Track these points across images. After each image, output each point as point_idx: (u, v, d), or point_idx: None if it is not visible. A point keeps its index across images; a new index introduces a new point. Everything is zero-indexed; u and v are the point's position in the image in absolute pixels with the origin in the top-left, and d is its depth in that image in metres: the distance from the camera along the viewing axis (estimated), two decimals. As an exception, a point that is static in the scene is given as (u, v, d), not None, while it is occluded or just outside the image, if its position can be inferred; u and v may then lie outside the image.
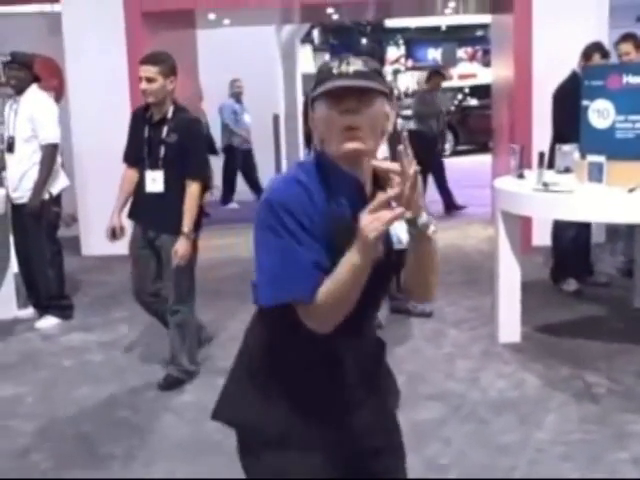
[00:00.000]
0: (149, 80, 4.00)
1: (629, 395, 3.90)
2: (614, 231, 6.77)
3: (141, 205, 4.18)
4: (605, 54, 5.40)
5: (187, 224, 3.99)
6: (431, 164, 8.90)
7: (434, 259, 1.67)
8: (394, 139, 1.92)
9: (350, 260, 1.51)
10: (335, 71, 1.60)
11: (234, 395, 1.81)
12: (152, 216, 4.12)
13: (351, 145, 1.59)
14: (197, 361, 4.36)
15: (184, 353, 4.23)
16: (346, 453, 1.77)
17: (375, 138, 1.62)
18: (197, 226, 4.11)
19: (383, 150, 5.22)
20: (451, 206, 9.17)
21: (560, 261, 5.77)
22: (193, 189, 4.00)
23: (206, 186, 4.22)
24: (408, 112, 16.49)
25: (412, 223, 1.56)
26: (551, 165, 5.03)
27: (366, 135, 1.60)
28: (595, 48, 5.37)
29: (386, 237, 1.67)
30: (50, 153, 5.16)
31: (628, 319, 5.06)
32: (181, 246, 3.98)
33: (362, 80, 1.58)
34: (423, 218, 1.55)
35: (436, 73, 9.66)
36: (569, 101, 4.98)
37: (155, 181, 4.08)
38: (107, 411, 3.99)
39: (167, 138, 4.04)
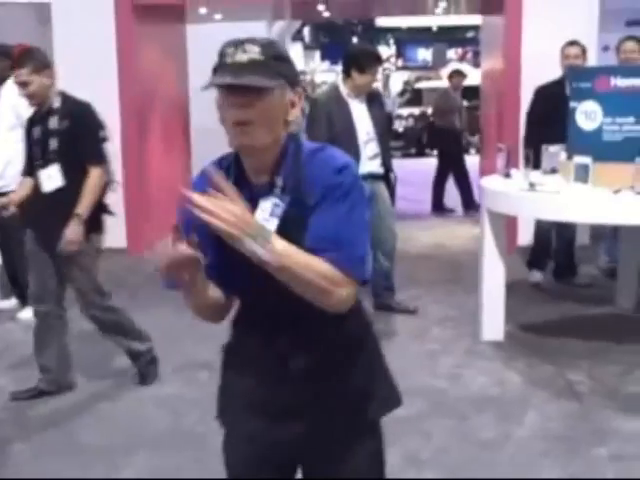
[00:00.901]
0: (25, 85, 3.74)
1: (610, 393, 3.92)
2: (598, 232, 6.81)
3: (38, 209, 3.86)
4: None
5: (82, 206, 3.71)
6: (455, 160, 9.21)
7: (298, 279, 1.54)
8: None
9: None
10: (228, 60, 1.54)
11: None
12: (52, 216, 3.76)
13: (240, 141, 1.56)
14: (144, 335, 4.17)
15: (132, 342, 4.09)
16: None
17: (271, 130, 1.57)
18: (98, 226, 3.88)
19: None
20: (470, 204, 9.14)
21: (532, 251, 5.98)
22: (94, 174, 3.74)
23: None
24: (401, 111, 16.56)
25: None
26: (537, 165, 5.05)
27: (258, 129, 1.54)
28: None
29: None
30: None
31: (610, 319, 5.10)
32: (71, 230, 3.69)
33: (251, 75, 1.50)
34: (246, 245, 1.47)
35: (457, 73, 10.03)
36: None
37: (51, 177, 3.77)
38: (88, 402, 3.98)
39: (58, 126, 3.76)
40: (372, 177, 4.91)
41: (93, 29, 7.27)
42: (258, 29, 11.38)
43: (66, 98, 3.87)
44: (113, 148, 4.21)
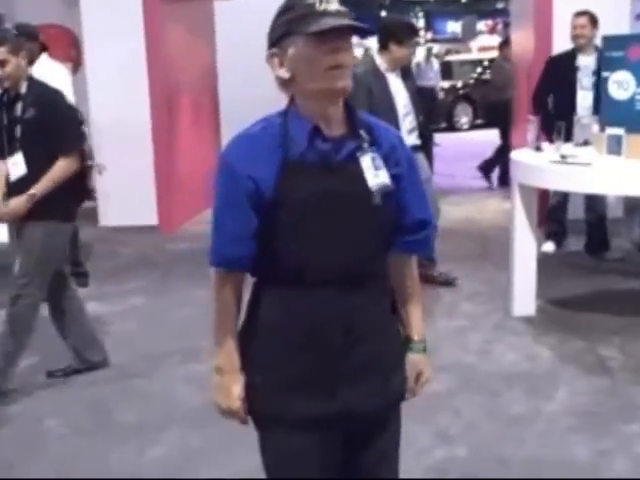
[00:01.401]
0: (1, 63, 3.65)
1: (642, 369, 3.89)
2: (632, 205, 6.71)
3: (6, 196, 3.76)
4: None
5: (38, 187, 3.63)
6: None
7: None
8: None
9: None
10: (320, 7, 1.57)
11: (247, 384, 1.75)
12: None
13: (341, 83, 1.60)
14: (7, 380, 3.82)
15: (12, 350, 3.78)
16: (339, 428, 1.71)
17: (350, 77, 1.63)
18: (63, 216, 3.79)
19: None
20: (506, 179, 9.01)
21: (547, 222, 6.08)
22: (59, 164, 3.66)
23: (83, 162, 3.81)
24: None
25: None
26: (569, 138, 4.98)
27: (348, 73, 1.61)
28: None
29: (362, 180, 1.64)
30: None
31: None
32: (14, 202, 3.63)
33: (349, 19, 1.57)
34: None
35: (505, 43, 9.60)
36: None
37: (16, 165, 3.69)
38: (121, 379, 4.03)
39: (24, 115, 3.68)
40: (412, 149, 4.91)
41: (121, 9, 7.28)
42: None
43: (32, 84, 3.77)
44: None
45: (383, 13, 29.95)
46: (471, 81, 16.25)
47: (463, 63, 17.35)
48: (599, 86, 4.84)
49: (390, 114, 4.73)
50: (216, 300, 1.73)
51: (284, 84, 1.65)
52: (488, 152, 9.44)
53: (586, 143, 4.69)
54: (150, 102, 7.32)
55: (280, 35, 1.62)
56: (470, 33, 25.95)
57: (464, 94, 16.29)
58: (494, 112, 9.68)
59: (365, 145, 1.66)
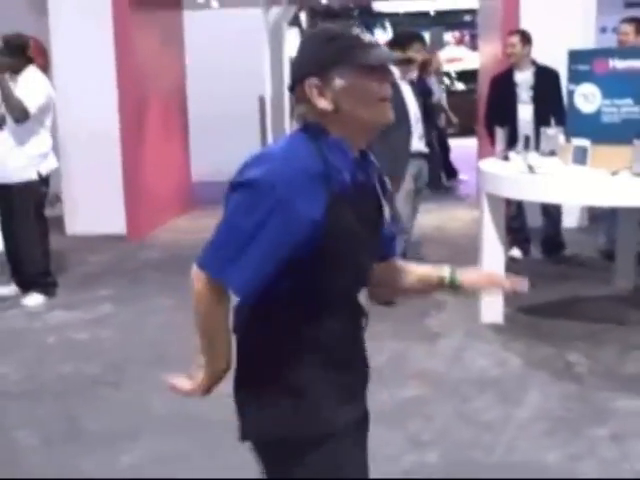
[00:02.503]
0: None
1: (609, 373, 3.96)
2: (596, 214, 6.83)
3: None
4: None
5: None
6: None
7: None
8: None
9: None
10: (366, 39, 1.59)
11: (261, 408, 1.69)
12: None
13: (390, 115, 1.63)
14: None
15: None
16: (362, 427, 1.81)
17: None
18: None
19: None
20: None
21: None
22: None
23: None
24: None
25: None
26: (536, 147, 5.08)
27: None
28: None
29: (381, 212, 1.71)
30: (19, 111, 5.03)
31: (609, 300, 5.12)
32: None
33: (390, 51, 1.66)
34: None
35: None
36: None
37: None
38: (91, 388, 4.00)
39: None
40: (420, 155, 5.24)
41: (90, 17, 7.25)
42: (255, 15, 11.35)
43: None
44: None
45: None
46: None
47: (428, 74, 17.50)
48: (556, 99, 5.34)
49: (405, 121, 4.99)
50: (208, 314, 1.63)
51: (322, 114, 1.60)
52: (457, 161, 9.63)
53: (552, 153, 4.78)
54: (119, 111, 7.28)
55: (325, 65, 1.57)
56: (438, 44, 26.18)
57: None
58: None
59: (379, 171, 1.73)
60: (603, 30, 7.64)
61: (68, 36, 7.31)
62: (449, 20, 27.27)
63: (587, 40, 6.58)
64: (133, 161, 7.33)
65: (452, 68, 18.03)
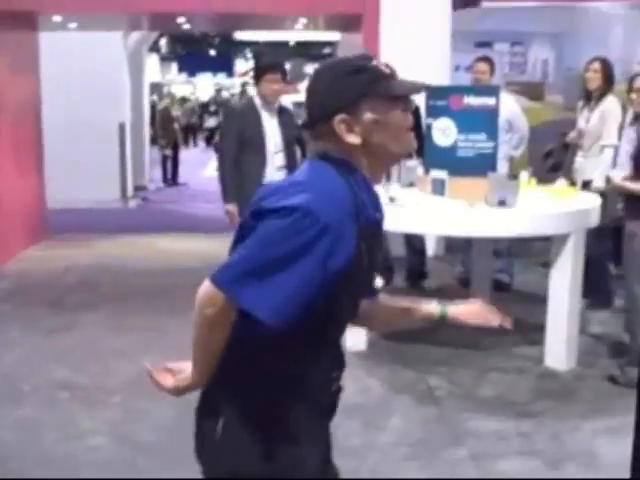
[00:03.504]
0: None
1: (467, 395, 4.12)
2: (453, 244, 7.12)
3: None
4: None
5: None
6: None
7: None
8: None
9: None
10: (387, 71, 1.58)
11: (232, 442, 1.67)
12: None
13: (415, 144, 1.64)
14: None
15: None
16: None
17: None
18: None
19: None
20: None
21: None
22: None
23: None
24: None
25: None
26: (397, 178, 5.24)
27: None
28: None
29: (380, 247, 1.75)
30: None
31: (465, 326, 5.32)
32: None
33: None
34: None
35: None
36: None
37: None
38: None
39: None
40: None
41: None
42: (114, 39, 11.15)
43: None
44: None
45: (212, 52, 30.17)
46: (299, 122, 16.68)
47: (293, 104, 17.80)
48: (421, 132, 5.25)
49: (259, 150, 4.96)
50: (216, 334, 1.57)
51: (348, 149, 1.57)
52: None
53: (411, 184, 4.96)
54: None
55: (354, 99, 1.54)
56: (298, 75, 26.66)
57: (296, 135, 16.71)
58: None
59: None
60: (457, 68, 8.03)
61: None
62: (309, 51, 27.87)
63: (443, 77, 6.89)
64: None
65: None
